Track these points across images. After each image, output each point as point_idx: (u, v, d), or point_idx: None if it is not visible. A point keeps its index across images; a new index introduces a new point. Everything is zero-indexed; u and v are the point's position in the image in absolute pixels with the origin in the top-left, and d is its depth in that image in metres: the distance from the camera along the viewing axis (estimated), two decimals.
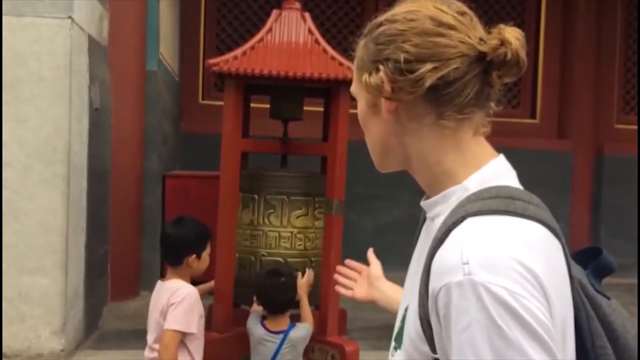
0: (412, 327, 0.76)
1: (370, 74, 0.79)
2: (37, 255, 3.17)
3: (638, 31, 6.80)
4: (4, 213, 3.13)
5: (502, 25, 0.77)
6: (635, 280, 5.98)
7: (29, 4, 3.16)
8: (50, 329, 3.18)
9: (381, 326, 4.06)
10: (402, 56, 0.76)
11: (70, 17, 3.20)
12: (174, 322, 2.20)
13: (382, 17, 0.81)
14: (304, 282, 2.90)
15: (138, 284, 4.38)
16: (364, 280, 1.39)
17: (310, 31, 3.26)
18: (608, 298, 0.79)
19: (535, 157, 6.14)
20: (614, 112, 6.91)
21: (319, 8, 6.43)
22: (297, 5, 3.34)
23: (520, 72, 0.78)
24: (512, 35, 0.76)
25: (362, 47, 0.83)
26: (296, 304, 2.85)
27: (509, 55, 0.75)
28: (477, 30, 0.77)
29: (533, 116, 6.79)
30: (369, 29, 0.82)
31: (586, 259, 0.83)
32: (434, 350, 0.72)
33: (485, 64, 0.76)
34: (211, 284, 2.94)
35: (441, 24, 0.75)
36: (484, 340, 0.64)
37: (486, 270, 0.66)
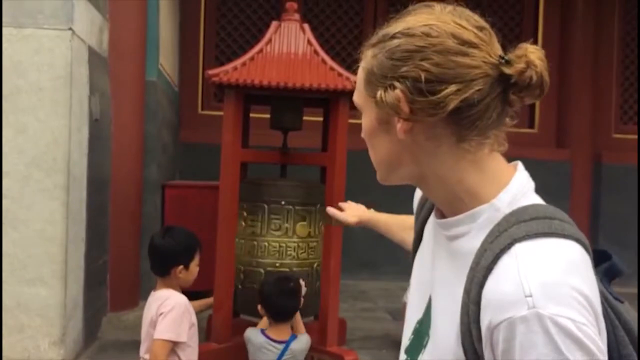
0: (450, 351, 0.74)
1: (385, 90, 0.74)
2: (36, 265, 3.16)
3: (637, 41, 6.84)
4: (3, 223, 3.13)
5: (525, 45, 0.73)
6: (634, 290, 5.97)
7: (30, 16, 3.18)
8: (49, 340, 3.17)
9: (381, 336, 4.05)
10: (422, 75, 0.71)
11: (70, 29, 3.22)
12: (163, 332, 2.20)
13: (394, 28, 0.76)
14: None
15: (137, 294, 4.37)
16: (353, 208, 1.56)
17: (309, 42, 3.28)
18: (622, 302, 0.78)
19: (533, 167, 6.03)
20: (611, 121, 6.93)
21: (318, 19, 6.47)
22: (296, 16, 3.37)
23: (543, 94, 0.75)
24: (537, 56, 0.72)
25: (370, 57, 0.77)
26: (304, 312, 2.86)
27: (535, 79, 0.72)
28: (496, 46, 0.74)
29: (531, 126, 6.81)
30: (379, 40, 0.77)
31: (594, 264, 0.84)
32: None
33: (506, 84, 0.73)
34: (210, 300, 2.93)
35: (464, 42, 0.71)
36: None
37: (551, 301, 0.65)
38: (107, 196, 4.06)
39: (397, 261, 3.35)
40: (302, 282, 2.92)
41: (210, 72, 3.12)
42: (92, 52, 3.63)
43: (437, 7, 0.75)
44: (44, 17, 3.19)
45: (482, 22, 0.75)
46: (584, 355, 0.65)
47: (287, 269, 3.14)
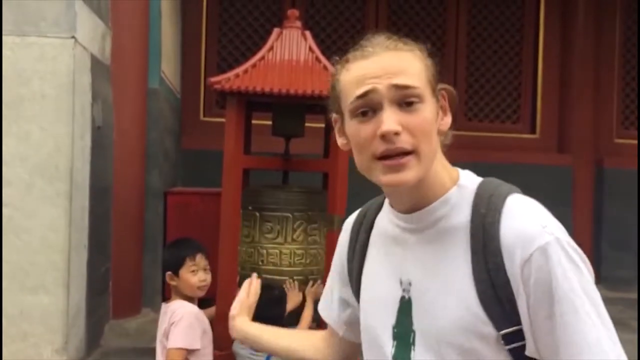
0: (464, 323, 0.86)
1: (440, 90, 0.95)
2: (39, 273, 3.16)
3: (638, 46, 6.85)
4: (6, 230, 3.14)
5: None
6: (636, 295, 5.95)
7: (33, 24, 3.20)
8: (51, 347, 3.17)
9: None
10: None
11: (73, 37, 3.23)
12: (176, 340, 2.24)
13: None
14: (313, 290, 2.97)
15: (139, 301, 4.36)
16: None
17: (311, 49, 3.29)
18: None
19: (535, 172, 6.14)
20: (613, 126, 6.93)
21: (320, 26, 6.49)
22: (298, 23, 3.38)
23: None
24: None
25: (426, 56, 0.93)
26: (295, 321, 2.85)
27: None
28: None
29: (533, 131, 6.81)
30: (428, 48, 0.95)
31: None
32: (501, 327, 0.85)
33: None
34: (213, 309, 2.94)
35: None
36: (576, 280, 0.83)
37: (558, 230, 0.86)
38: (109, 203, 4.07)
39: None
40: (318, 283, 2.93)
41: (212, 79, 3.13)
42: (94, 59, 3.65)
43: None
44: (47, 25, 3.21)
45: None
46: (585, 265, 0.86)
47: (286, 277, 3.14)
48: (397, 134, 0.86)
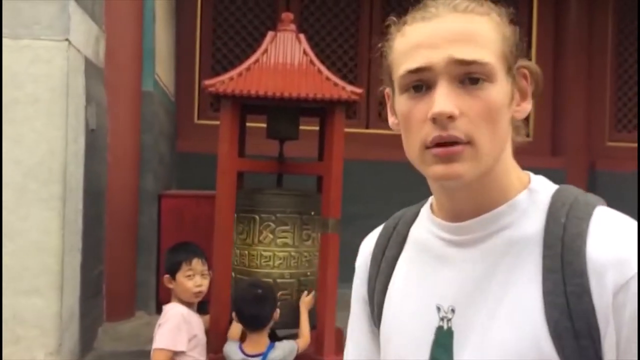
0: (519, 355, 0.68)
1: (519, 68, 0.78)
2: (32, 276, 3.15)
3: (631, 50, 6.90)
4: None
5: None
6: None
7: (26, 27, 3.19)
8: (45, 351, 3.16)
9: None
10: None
11: (67, 40, 3.23)
12: (160, 341, 2.27)
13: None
14: (307, 300, 2.97)
15: (133, 304, 4.35)
16: None
17: (305, 52, 3.30)
18: None
19: None
20: (605, 129, 6.98)
21: (314, 29, 6.50)
22: (292, 26, 3.39)
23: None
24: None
25: (503, 24, 0.77)
26: (295, 323, 2.84)
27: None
28: None
29: (527, 134, 6.84)
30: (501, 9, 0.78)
31: None
32: None
33: None
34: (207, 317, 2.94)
35: None
36: None
37: None
38: (103, 206, 4.06)
39: None
40: (313, 293, 2.93)
41: (207, 82, 3.13)
42: (88, 62, 3.64)
43: None
44: (41, 28, 3.20)
45: None
46: None
47: (281, 278, 3.14)
48: (451, 117, 0.69)
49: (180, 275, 2.41)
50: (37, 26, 3.20)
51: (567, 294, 0.66)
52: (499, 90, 0.72)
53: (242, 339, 2.68)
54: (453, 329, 0.74)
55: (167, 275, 2.46)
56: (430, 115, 0.70)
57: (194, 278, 2.42)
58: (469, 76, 0.71)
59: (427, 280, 0.79)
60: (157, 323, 2.36)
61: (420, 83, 0.72)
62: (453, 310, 0.75)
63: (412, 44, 0.73)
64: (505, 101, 0.73)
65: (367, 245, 0.93)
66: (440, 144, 0.70)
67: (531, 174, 0.81)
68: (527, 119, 5.76)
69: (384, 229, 0.92)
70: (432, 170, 0.72)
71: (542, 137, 6.80)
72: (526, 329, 0.68)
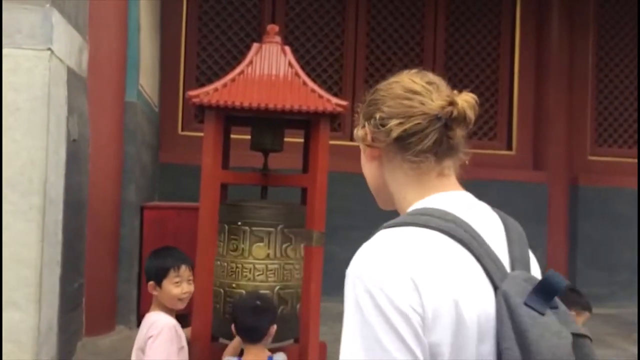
0: None
1: (362, 128, 1.03)
2: (10, 288, 3.08)
3: (611, 66, 7.02)
4: None
5: (456, 92, 0.99)
6: (611, 311, 6.03)
7: (8, 35, 3.15)
8: None
9: None
10: (378, 115, 0.99)
11: (49, 49, 3.19)
12: (154, 355, 2.20)
13: (377, 86, 1.04)
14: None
15: (113, 318, 4.28)
16: None
17: (290, 64, 3.30)
18: (541, 314, 0.87)
19: (511, 188, 6.22)
20: (587, 144, 7.08)
21: (299, 41, 6.52)
22: (277, 39, 3.39)
23: (468, 127, 0.99)
24: (462, 98, 0.97)
25: (362, 109, 1.05)
26: (279, 336, 2.81)
27: (455, 113, 0.95)
28: (444, 93, 0.97)
29: (509, 148, 6.91)
30: (368, 94, 1.04)
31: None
32: None
33: (443, 120, 0.95)
34: (189, 330, 2.89)
35: (409, 90, 0.97)
36: None
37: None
38: (84, 218, 4.00)
39: None
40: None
41: (191, 93, 3.12)
42: (70, 72, 3.60)
43: (405, 71, 1.02)
44: (22, 37, 3.16)
45: (433, 79, 1.00)
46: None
47: (267, 291, 3.11)
48: None
49: (167, 282, 2.36)
50: (19, 35, 3.16)
51: None
52: (362, 154, 1.08)
53: (241, 354, 2.65)
54: None
55: (151, 282, 2.38)
56: None
57: (181, 285, 2.38)
58: None
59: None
60: (144, 332, 2.28)
61: None
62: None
63: None
64: (362, 158, 1.07)
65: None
66: None
67: (436, 196, 1.00)
68: (509, 133, 5.78)
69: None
70: None
71: (524, 150, 6.87)
72: None
